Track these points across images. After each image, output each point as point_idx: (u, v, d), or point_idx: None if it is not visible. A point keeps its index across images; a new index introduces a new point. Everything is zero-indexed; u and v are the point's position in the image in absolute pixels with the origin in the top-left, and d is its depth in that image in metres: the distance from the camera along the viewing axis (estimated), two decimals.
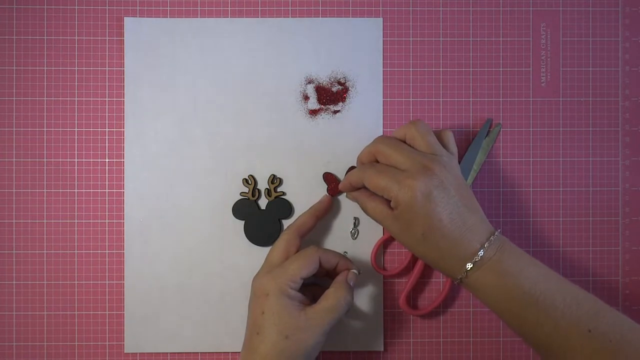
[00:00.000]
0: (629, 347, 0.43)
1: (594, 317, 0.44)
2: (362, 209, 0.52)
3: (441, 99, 0.57)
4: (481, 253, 0.46)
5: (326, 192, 0.56)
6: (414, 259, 0.55)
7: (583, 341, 0.44)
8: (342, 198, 0.56)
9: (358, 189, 0.52)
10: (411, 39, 0.57)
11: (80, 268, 0.55)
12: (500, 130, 0.56)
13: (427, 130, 0.50)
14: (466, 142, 0.56)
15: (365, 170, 0.50)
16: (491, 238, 0.47)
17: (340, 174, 0.56)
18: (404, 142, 0.51)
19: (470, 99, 0.57)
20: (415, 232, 0.47)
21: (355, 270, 0.51)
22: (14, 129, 0.56)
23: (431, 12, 0.57)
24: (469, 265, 0.47)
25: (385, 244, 0.56)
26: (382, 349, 0.56)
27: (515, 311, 0.46)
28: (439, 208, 0.46)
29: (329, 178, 0.55)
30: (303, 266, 0.48)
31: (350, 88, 0.56)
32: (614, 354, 0.43)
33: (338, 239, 0.56)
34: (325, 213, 0.55)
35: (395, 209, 0.48)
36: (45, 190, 0.56)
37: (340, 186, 0.54)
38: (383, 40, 0.56)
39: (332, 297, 0.48)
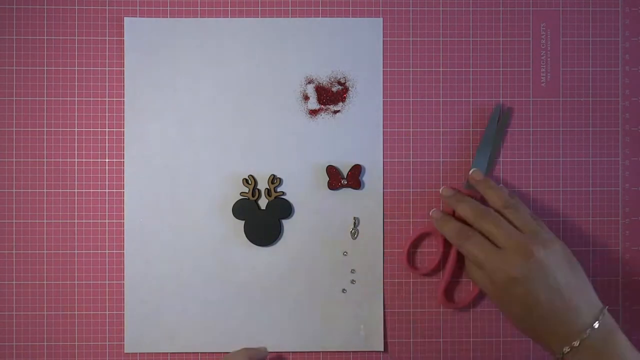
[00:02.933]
0: None
1: None
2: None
3: (441, 99, 0.57)
4: (585, 335, 0.45)
5: (327, 186, 0.56)
6: (444, 259, 0.55)
7: None
8: (342, 197, 0.56)
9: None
10: (411, 39, 0.57)
11: (80, 268, 0.55)
12: (510, 114, 0.56)
13: (522, 207, 0.50)
14: (466, 142, 0.56)
15: (465, 236, 0.50)
16: (595, 324, 0.45)
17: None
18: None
19: (470, 99, 0.57)
20: (512, 310, 0.47)
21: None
22: (14, 129, 0.56)
23: (431, 12, 0.57)
24: (566, 349, 0.45)
25: (414, 244, 0.56)
26: (382, 349, 0.56)
27: None
28: (535, 291, 0.46)
29: (331, 172, 0.55)
30: None
31: (350, 88, 0.56)
32: None
33: (338, 239, 0.56)
34: None
35: (492, 285, 0.48)
36: (45, 190, 0.56)
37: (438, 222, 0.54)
38: (383, 40, 0.56)
39: None
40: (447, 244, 0.55)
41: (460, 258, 0.55)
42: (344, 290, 0.56)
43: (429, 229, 0.55)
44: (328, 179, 0.55)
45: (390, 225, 0.56)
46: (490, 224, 0.49)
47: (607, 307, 0.47)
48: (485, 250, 0.49)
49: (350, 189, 0.56)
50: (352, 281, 0.56)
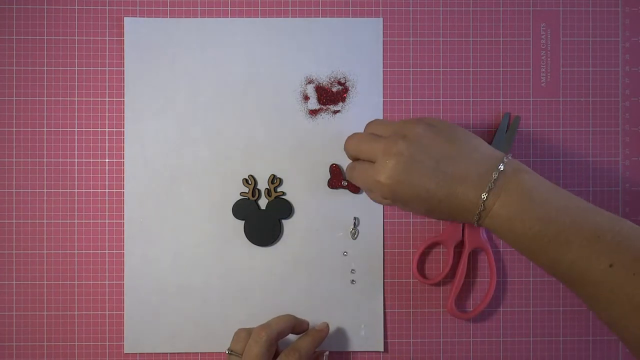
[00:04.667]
0: None
1: (615, 250, 0.40)
2: (354, 177, 0.50)
3: (441, 99, 0.57)
4: (481, 208, 0.44)
5: (327, 184, 0.56)
6: (454, 266, 0.55)
7: (604, 276, 0.40)
8: (342, 197, 0.56)
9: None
10: (411, 39, 0.57)
11: (80, 268, 0.55)
12: (519, 122, 0.56)
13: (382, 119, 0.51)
14: None
15: (350, 169, 0.50)
16: (494, 174, 0.43)
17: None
18: None
19: (470, 99, 0.57)
20: (418, 210, 0.46)
21: (327, 353, 0.53)
22: (14, 129, 0.56)
23: (431, 12, 0.57)
24: (476, 216, 0.44)
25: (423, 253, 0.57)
26: (382, 349, 0.56)
27: (531, 251, 0.44)
28: (420, 183, 0.44)
29: (335, 171, 0.55)
30: None
31: (350, 88, 0.56)
32: (638, 286, 0.40)
33: (338, 239, 0.56)
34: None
35: (390, 200, 0.46)
36: (45, 190, 0.56)
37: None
38: (383, 40, 0.56)
39: None
40: (456, 253, 0.55)
41: (470, 266, 0.55)
42: (344, 290, 0.56)
43: (438, 239, 0.55)
44: (329, 177, 0.55)
45: (390, 225, 0.56)
46: (354, 145, 0.48)
47: (509, 154, 0.45)
48: (364, 171, 0.47)
49: None
50: (352, 281, 0.56)
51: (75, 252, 0.55)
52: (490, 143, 0.56)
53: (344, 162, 0.56)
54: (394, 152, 0.45)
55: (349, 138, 0.50)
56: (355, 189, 0.56)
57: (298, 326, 0.52)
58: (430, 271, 0.56)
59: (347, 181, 0.55)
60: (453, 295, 0.55)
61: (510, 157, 0.45)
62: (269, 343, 0.48)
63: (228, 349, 0.49)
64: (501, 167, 0.44)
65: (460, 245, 0.56)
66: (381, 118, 0.56)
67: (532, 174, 0.44)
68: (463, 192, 0.44)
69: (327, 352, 0.52)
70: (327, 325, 0.54)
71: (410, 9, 0.57)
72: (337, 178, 0.55)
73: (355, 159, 0.50)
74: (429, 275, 0.56)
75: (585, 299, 0.43)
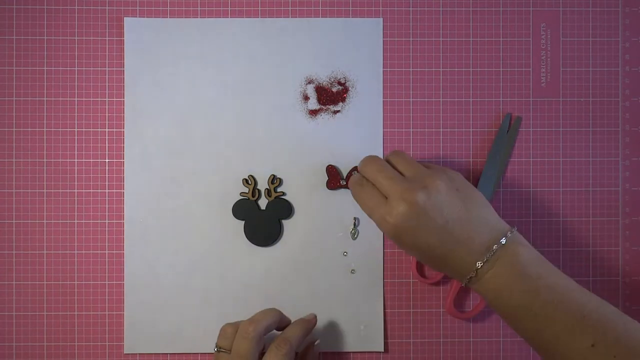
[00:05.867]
0: None
1: (599, 330, 0.42)
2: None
3: (441, 99, 0.57)
4: (472, 274, 0.46)
5: (326, 185, 0.56)
6: None
7: (585, 354, 0.42)
8: (342, 197, 0.56)
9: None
10: (411, 39, 0.57)
11: (80, 268, 0.55)
12: (520, 123, 0.56)
13: (405, 154, 0.51)
14: (466, 142, 0.56)
15: (359, 183, 0.50)
16: (494, 247, 0.45)
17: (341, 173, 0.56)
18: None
19: (471, 99, 0.57)
20: (410, 253, 0.47)
21: (318, 341, 0.53)
22: (14, 129, 0.56)
23: (431, 12, 0.57)
24: (467, 278, 0.46)
25: None
26: (382, 350, 0.56)
27: (515, 319, 0.46)
28: (424, 236, 0.46)
29: (331, 172, 0.55)
30: None
31: (350, 88, 0.56)
32: None
33: (338, 239, 0.56)
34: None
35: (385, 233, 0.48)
36: (45, 190, 0.56)
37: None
38: (383, 40, 0.56)
39: None
40: None
41: None
42: (344, 290, 0.56)
43: None
44: (327, 178, 0.56)
45: None
46: (373, 171, 0.48)
47: (514, 228, 0.46)
48: (372, 199, 0.48)
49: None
50: (352, 281, 0.56)
51: (75, 252, 0.56)
52: (491, 144, 0.56)
53: (342, 163, 0.56)
54: (410, 200, 0.45)
55: (369, 160, 0.50)
56: None
57: (283, 321, 0.52)
58: (430, 271, 0.56)
59: (346, 180, 0.55)
60: (452, 295, 0.55)
61: (515, 231, 0.46)
62: (257, 338, 0.47)
63: (216, 346, 0.49)
64: (503, 241, 0.46)
65: None
66: (384, 128, 0.56)
67: (528, 248, 0.46)
68: (461, 256, 0.46)
69: (318, 341, 0.52)
70: (315, 316, 0.54)
71: (410, 9, 0.57)
72: (334, 179, 0.55)
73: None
74: (428, 275, 0.56)
75: None
